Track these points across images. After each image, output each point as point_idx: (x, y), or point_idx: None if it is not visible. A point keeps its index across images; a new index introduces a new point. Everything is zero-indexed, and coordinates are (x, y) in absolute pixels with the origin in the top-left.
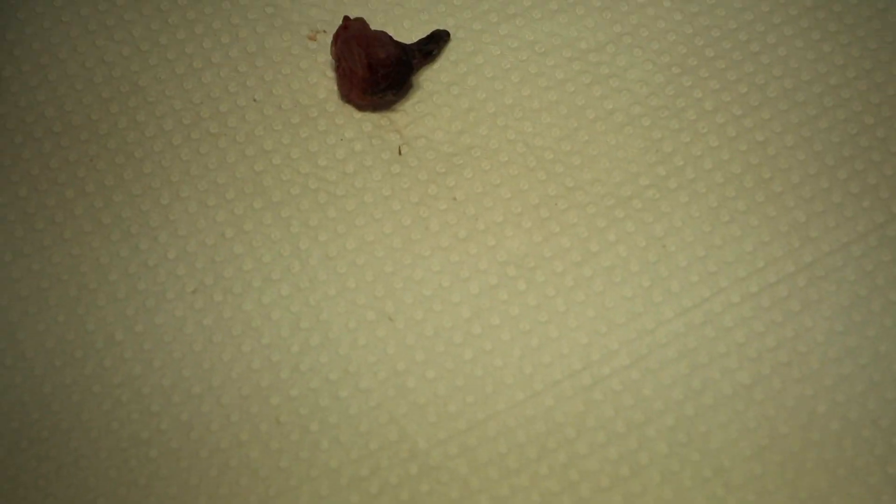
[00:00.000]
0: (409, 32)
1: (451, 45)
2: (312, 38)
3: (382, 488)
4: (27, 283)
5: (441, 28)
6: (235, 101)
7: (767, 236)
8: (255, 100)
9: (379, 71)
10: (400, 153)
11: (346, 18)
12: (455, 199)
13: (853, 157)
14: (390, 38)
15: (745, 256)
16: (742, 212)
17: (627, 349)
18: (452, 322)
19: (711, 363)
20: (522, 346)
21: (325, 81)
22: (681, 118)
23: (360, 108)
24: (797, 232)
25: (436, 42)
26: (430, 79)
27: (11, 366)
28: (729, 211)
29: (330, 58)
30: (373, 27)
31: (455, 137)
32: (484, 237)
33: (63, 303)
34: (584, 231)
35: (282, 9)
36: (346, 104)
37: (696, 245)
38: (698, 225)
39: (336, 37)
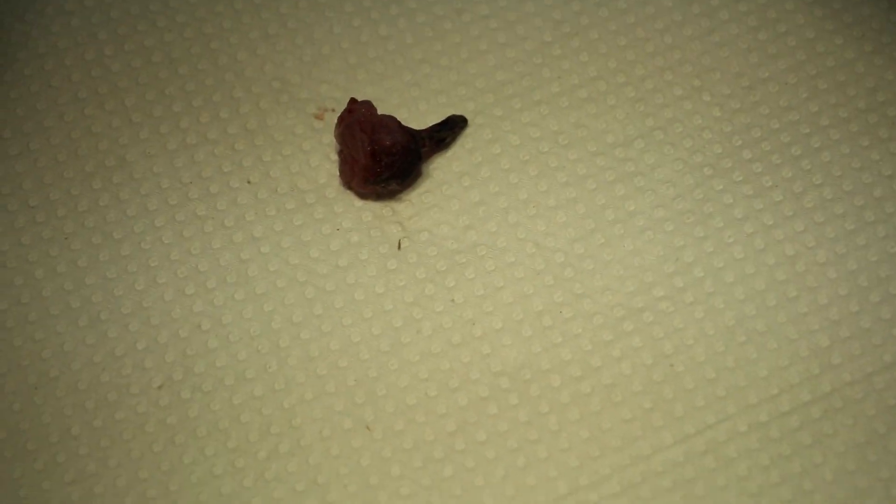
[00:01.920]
0: (423, 116)
1: (468, 131)
2: (319, 118)
3: None
4: None
5: (458, 113)
6: (228, 183)
7: (785, 361)
8: (249, 182)
9: (382, 159)
10: (399, 247)
11: (351, 101)
12: (453, 300)
13: (889, 279)
14: (398, 123)
15: (758, 382)
16: (760, 332)
17: (619, 476)
18: (434, 435)
19: (707, 496)
20: (507, 465)
21: (327, 165)
22: (706, 225)
23: (362, 196)
24: (818, 358)
25: (450, 129)
26: (442, 167)
27: None
28: (746, 331)
29: (334, 140)
30: (386, 109)
31: (461, 233)
32: (479, 344)
33: (20, 390)
34: (587, 343)
35: (289, 84)
36: (348, 191)
37: (706, 366)
38: (711, 344)
39: (340, 120)
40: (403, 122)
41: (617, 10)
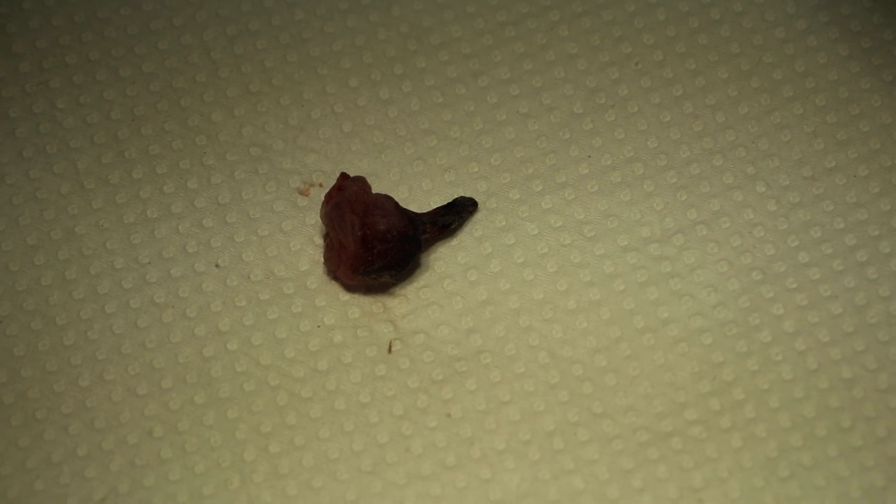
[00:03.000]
0: (426, 196)
1: (478, 216)
2: (304, 193)
3: None
4: None
5: (467, 195)
6: (193, 266)
7: (833, 501)
8: (217, 265)
9: (375, 247)
10: (390, 351)
11: (342, 176)
12: (449, 415)
13: None
14: (396, 204)
15: None
16: (807, 467)
17: None
18: None
19: None
20: None
21: (310, 250)
22: (751, 339)
23: (349, 288)
24: (870, 499)
25: (457, 213)
26: (444, 257)
27: None
28: (790, 464)
29: (320, 220)
30: (383, 187)
31: (463, 337)
32: (477, 468)
33: None
34: (604, 472)
35: (271, 151)
36: (333, 281)
37: None
38: (749, 479)
39: (328, 197)
40: (402, 204)
41: (662, 81)
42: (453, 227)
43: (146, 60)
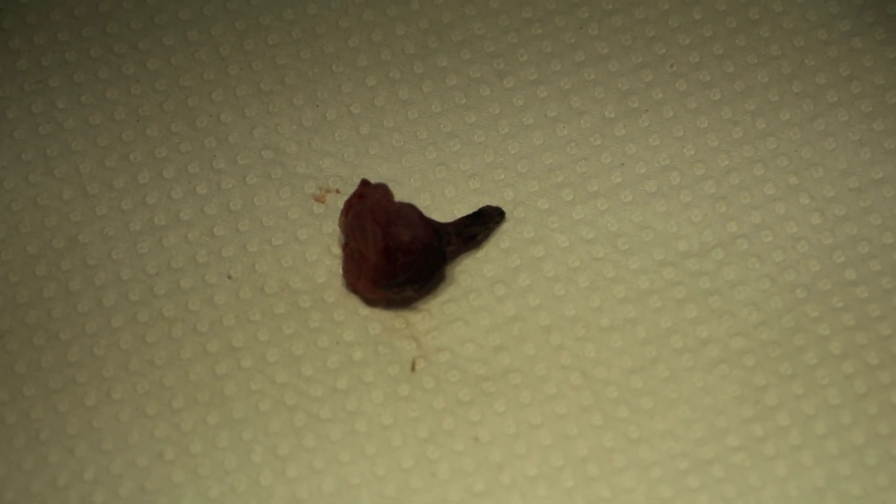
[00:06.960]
0: (450, 204)
1: (505, 227)
2: (320, 200)
3: None
4: None
5: (493, 204)
6: (203, 277)
7: None
8: (229, 277)
9: (398, 258)
10: (413, 369)
11: (363, 183)
12: (477, 439)
13: None
14: (419, 214)
15: None
16: (856, 497)
17: None
18: None
19: None
20: None
21: (327, 261)
22: (796, 362)
23: (370, 302)
24: None
25: (483, 223)
26: (469, 270)
27: None
28: (838, 495)
29: (339, 229)
30: (404, 194)
31: (490, 355)
32: (508, 495)
33: None
34: (641, 500)
35: (284, 155)
36: (352, 295)
37: None
38: None
39: (348, 205)
40: (424, 212)
41: (699, 84)
42: (479, 238)
43: (151, 57)
